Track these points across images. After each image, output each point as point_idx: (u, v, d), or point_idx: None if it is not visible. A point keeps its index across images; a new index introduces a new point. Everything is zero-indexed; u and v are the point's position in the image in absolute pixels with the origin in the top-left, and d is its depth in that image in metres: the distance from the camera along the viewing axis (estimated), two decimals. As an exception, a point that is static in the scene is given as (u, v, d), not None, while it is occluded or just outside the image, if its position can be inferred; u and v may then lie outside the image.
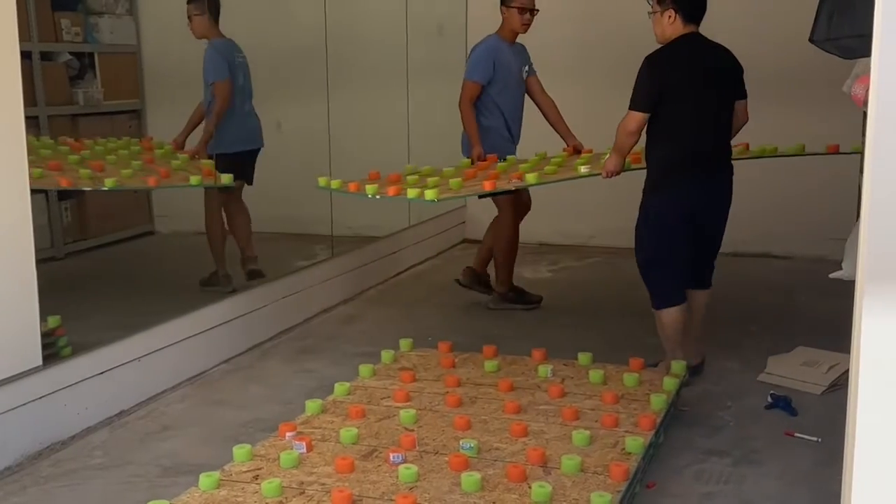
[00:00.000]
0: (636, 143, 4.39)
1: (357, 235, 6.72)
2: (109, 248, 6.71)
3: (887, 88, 1.37)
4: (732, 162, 4.53)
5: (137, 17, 7.24)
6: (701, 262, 4.48)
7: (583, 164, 4.83)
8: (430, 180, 4.73)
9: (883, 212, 1.36)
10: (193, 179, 5.00)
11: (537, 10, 5.53)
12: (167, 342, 4.50)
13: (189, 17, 5.71)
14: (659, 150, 4.32)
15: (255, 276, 5.78)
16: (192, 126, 5.89)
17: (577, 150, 5.51)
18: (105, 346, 4.18)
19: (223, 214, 5.90)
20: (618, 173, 4.49)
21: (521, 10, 5.45)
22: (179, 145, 5.81)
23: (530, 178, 4.65)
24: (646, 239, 4.40)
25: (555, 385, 3.87)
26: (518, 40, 5.62)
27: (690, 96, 4.24)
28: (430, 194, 4.37)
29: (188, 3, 5.71)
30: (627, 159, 4.51)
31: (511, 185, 4.72)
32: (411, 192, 4.49)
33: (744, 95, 4.41)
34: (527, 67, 5.66)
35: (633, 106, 4.24)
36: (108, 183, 4.71)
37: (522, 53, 5.65)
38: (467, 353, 4.39)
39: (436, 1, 7.72)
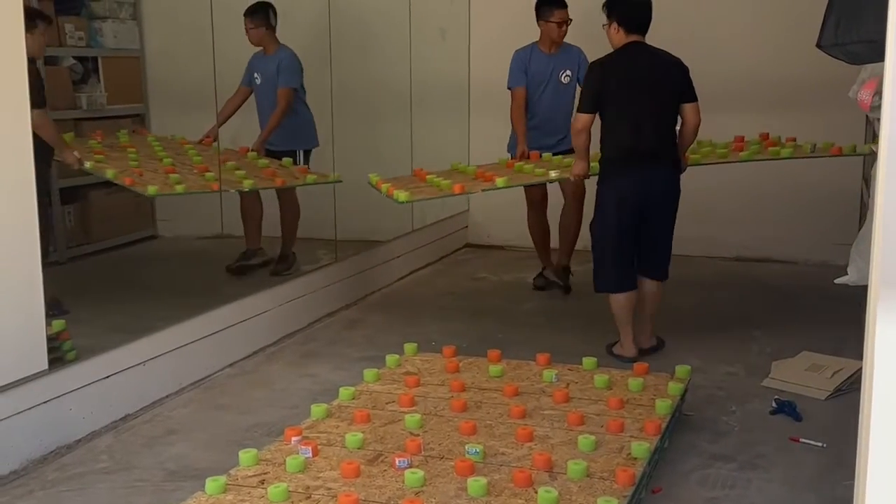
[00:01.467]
0: (587, 141, 4.79)
1: (360, 239, 6.72)
2: (112, 251, 6.73)
3: (900, 95, 1.37)
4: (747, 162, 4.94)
5: (141, 22, 7.26)
6: (649, 254, 4.83)
7: (553, 168, 5.28)
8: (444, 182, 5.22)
9: (897, 218, 1.36)
10: (310, 178, 5.69)
11: (570, 20, 5.98)
12: (171, 346, 4.49)
13: (250, 29, 6.13)
14: (603, 147, 4.79)
15: (278, 273, 6.15)
16: (223, 121, 6.19)
17: None
18: (110, 351, 4.18)
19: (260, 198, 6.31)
20: (585, 174, 4.97)
21: (552, 24, 5.96)
22: (211, 140, 6.11)
23: (499, 181, 5.05)
24: (593, 228, 4.89)
25: (559, 390, 3.86)
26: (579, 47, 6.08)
27: (626, 99, 4.68)
28: (401, 196, 5.01)
29: (246, 15, 6.14)
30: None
31: (478, 189, 5.20)
32: (384, 188, 5.13)
33: (691, 99, 4.70)
34: (568, 72, 6.04)
35: (578, 107, 4.79)
36: (247, 184, 5.46)
37: (567, 60, 6.05)
38: (471, 357, 4.38)
39: (438, 5, 7.71)
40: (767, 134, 5.56)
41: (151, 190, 5.05)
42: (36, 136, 4.71)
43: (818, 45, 2.85)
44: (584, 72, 5.57)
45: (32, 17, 4.92)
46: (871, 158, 4.72)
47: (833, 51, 2.82)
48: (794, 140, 5.55)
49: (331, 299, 5.91)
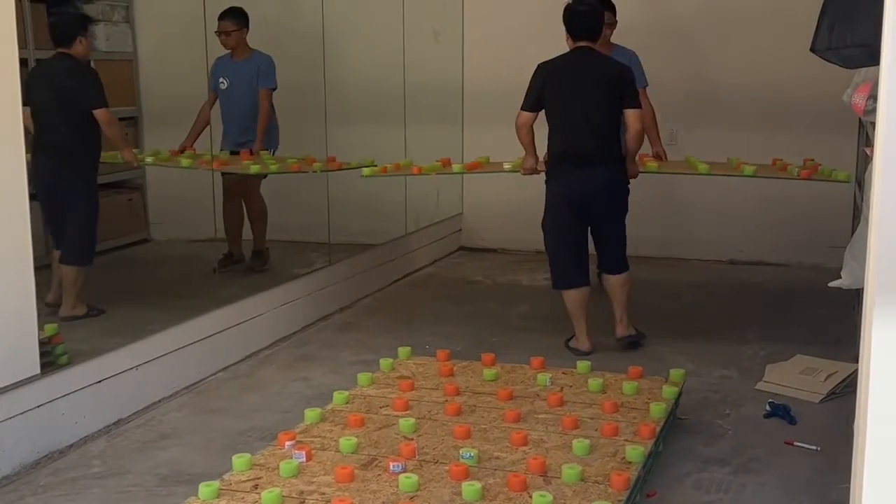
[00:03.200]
0: (527, 136, 4.99)
1: (354, 243, 6.71)
2: (105, 255, 6.68)
3: (895, 99, 1.37)
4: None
5: (134, 25, 7.24)
6: (602, 251, 5.12)
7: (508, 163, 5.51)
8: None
9: (892, 222, 1.36)
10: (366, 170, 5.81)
11: (611, 25, 5.90)
12: (164, 350, 4.48)
13: (231, 32, 6.18)
14: (548, 146, 5.01)
15: (254, 270, 6.38)
16: (202, 128, 6.26)
17: (657, 157, 5.93)
18: (102, 355, 4.16)
19: (243, 204, 6.46)
20: (533, 169, 5.13)
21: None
22: (189, 148, 6.20)
23: (455, 167, 5.69)
24: (543, 226, 5.07)
25: (554, 393, 3.86)
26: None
27: (566, 101, 4.89)
28: (365, 171, 5.65)
29: (224, 19, 6.17)
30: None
31: (433, 172, 5.69)
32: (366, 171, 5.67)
33: (633, 105, 4.89)
34: None
35: (521, 106, 4.95)
36: (317, 167, 5.88)
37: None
38: (466, 361, 4.38)
39: (432, 7, 7.71)
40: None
41: (317, 167, 5.76)
42: (89, 138, 5.18)
43: (812, 50, 2.85)
44: (638, 68, 5.87)
45: (86, 24, 5.24)
46: (864, 160, 4.73)
47: (827, 55, 2.82)
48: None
49: (325, 303, 5.90)
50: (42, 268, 4.52)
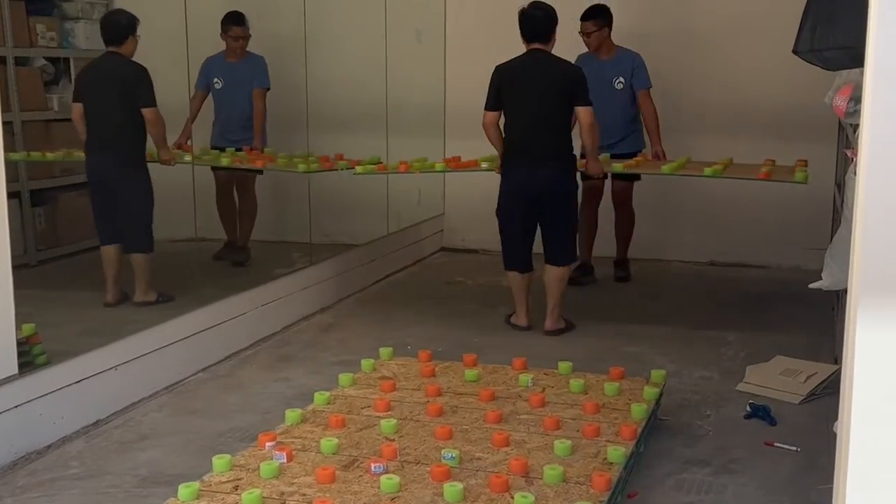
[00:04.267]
0: (495, 135, 5.28)
1: (335, 243, 6.69)
2: (84, 254, 6.63)
3: (880, 101, 1.37)
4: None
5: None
6: (546, 241, 5.36)
7: (484, 160, 5.78)
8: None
9: (878, 224, 1.36)
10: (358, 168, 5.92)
11: (598, 29, 6.26)
12: (144, 350, 4.45)
13: (241, 38, 6.54)
14: (503, 143, 5.30)
15: (237, 264, 6.63)
16: (192, 122, 6.44)
17: (656, 156, 6.29)
18: (81, 355, 4.13)
19: (235, 195, 6.77)
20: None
21: (581, 35, 6.29)
22: (185, 145, 6.33)
23: (437, 166, 6.03)
24: (497, 213, 5.40)
25: (536, 394, 3.86)
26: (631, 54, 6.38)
27: (518, 100, 5.19)
28: (358, 169, 5.83)
29: (240, 24, 6.54)
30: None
31: (417, 171, 5.97)
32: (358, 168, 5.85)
33: (583, 103, 5.15)
34: (621, 79, 6.32)
35: (484, 106, 5.26)
36: (355, 168, 5.92)
37: (619, 67, 6.33)
38: (447, 361, 4.37)
39: (414, 8, 7.70)
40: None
41: (359, 169, 5.85)
42: (136, 135, 5.45)
43: (794, 52, 2.87)
44: (641, 70, 6.24)
45: (135, 24, 5.43)
46: (844, 162, 4.75)
47: (809, 57, 2.83)
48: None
49: (306, 303, 5.88)
50: (19, 267, 4.49)
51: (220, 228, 6.78)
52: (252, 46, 6.69)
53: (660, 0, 7.18)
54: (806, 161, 5.75)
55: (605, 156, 5.94)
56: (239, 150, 6.50)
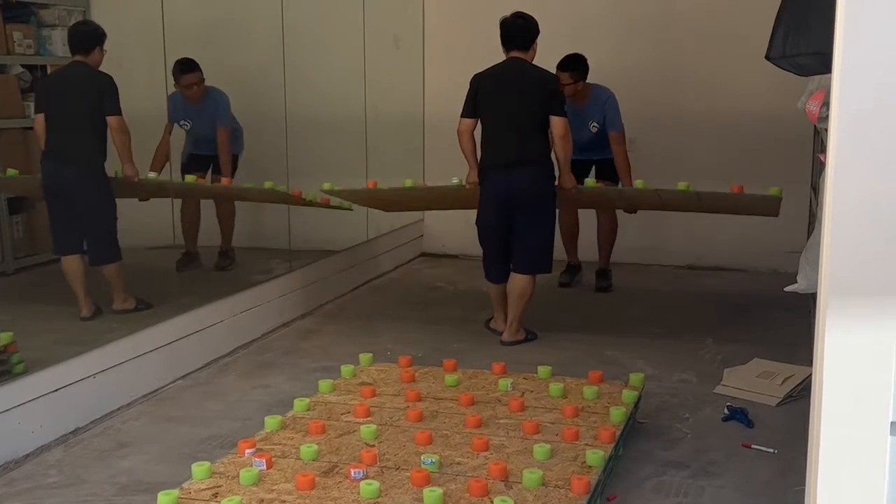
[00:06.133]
0: (469, 144, 5.28)
1: (315, 249, 6.69)
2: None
3: (848, 105, 1.39)
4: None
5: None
6: (517, 248, 5.28)
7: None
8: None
9: (845, 226, 1.38)
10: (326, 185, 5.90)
11: (574, 82, 6.10)
12: (123, 358, 4.43)
13: (195, 84, 6.35)
14: (481, 151, 5.30)
15: (224, 269, 6.64)
16: (163, 161, 6.19)
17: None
18: (59, 363, 4.11)
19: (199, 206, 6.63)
20: (476, 184, 5.32)
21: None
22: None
23: (407, 182, 5.83)
24: (476, 222, 5.40)
25: (515, 399, 3.87)
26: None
27: (495, 107, 5.21)
28: (326, 185, 5.81)
29: (191, 72, 6.30)
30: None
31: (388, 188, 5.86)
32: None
33: (556, 113, 5.16)
34: (595, 123, 6.24)
35: (461, 114, 5.28)
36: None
37: (591, 110, 6.23)
38: (427, 367, 4.38)
39: (392, 15, 7.72)
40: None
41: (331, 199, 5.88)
42: (99, 144, 5.36)
43: (767, 57, 2.90)
44: (612, 111, 6.16)
45: (104, 36, 5.42)
46: (819, 167, 4.80)
47: (782, 63, 2.86)
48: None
49: (285, 309, 5.88)
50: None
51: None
52: (231, 57, 6.62)
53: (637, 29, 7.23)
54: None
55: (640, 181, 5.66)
56: (213, 159, 6.44)
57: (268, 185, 5.78)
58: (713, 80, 7.04)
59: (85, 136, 5.32)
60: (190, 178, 5.96)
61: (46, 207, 5.51)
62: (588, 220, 6.74)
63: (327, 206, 5.97)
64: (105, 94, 5.30)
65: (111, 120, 5.27)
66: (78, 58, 5.35)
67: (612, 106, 6.20)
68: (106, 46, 5.42)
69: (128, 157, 5.40)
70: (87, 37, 5.40)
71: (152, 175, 5.84)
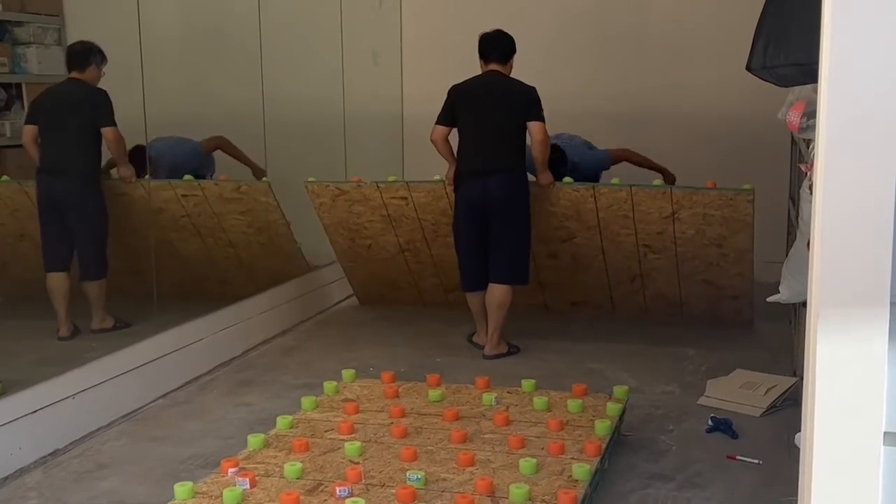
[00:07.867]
0: (444, 147, 5.38)
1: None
2: (42, 281, 6.53)
3: (835, 115, 1.39)
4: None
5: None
6: (493, 257, 5.30)
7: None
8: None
9: (836, 236, 1.38)
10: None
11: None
12: (102, 378, 4.39)
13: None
14: (457, 160, 5.38)
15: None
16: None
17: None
18: (38, 384, 4.07)
19: None
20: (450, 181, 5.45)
21: None
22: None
23: (391, 178, 5.86)
24: (453, 230, 5.48)
25: (500, 413, 3.85)
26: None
27: (471, 117, 5.29)
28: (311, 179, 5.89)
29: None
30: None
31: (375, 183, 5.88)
32: None
33: (535, 118, 5.23)
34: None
35: (435, 122, 5.36)
36: None
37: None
38: (410, 382, 4.36)
39: (370, 28, 7.72)
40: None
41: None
42: (94, 158, 5.49)
43: (747, 69, 2.91)
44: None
45: (100, 54, 5.52)
46: (798, 176, 4.82)
47: (762, 73, 2.87)
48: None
49: (266, 326, 5.84)
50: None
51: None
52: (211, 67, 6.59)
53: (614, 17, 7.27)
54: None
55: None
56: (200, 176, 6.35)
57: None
58: (688, 90, 7.07)
59: (79, 150, 5.45)
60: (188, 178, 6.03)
61: (39, 223, 5.53)
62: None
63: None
64: (99, 109, 5.42)
65: (106, 132, 5.41)
66: (74, 74, 5.50)
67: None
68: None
69: (124, 162, 5.58)
70: (81, 54, 5.54)
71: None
